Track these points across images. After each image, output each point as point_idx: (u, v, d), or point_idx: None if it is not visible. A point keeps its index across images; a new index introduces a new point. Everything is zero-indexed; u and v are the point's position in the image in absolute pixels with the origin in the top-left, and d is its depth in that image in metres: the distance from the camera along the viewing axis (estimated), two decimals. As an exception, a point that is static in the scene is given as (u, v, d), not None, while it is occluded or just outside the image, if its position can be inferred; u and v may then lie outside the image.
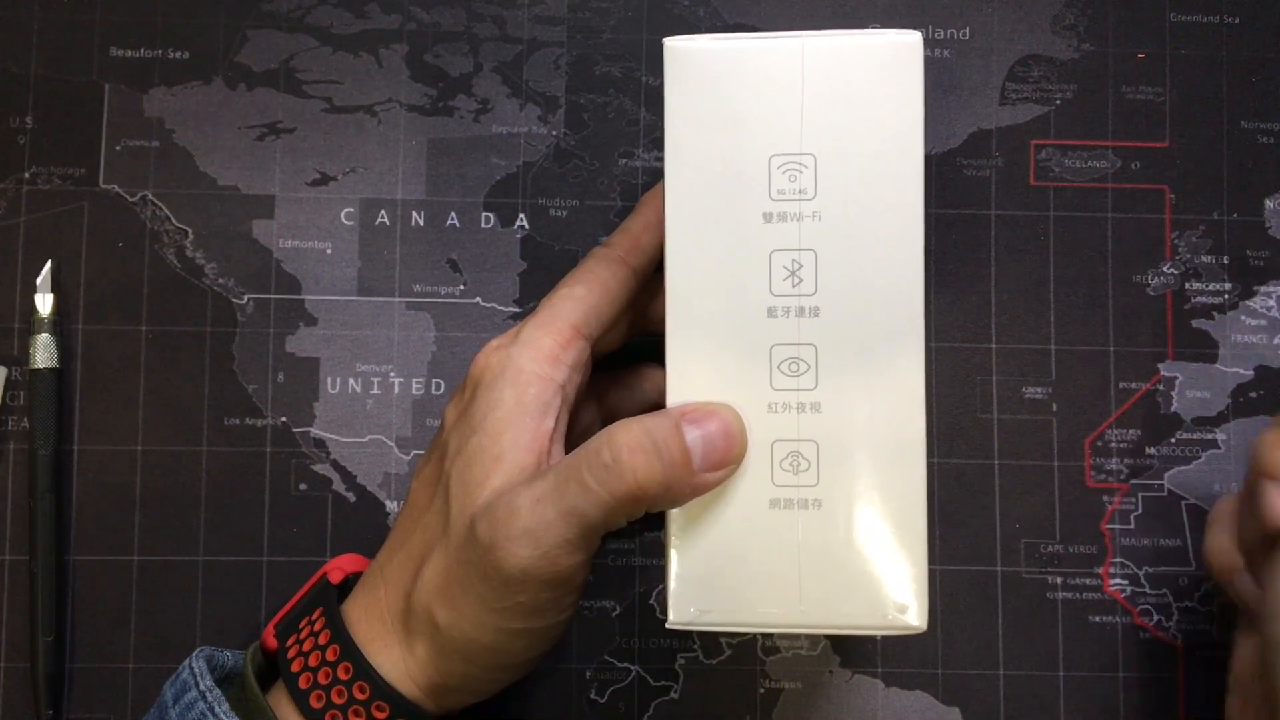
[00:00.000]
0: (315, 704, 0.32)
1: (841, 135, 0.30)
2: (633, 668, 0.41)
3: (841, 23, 0.42)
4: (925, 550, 0.31)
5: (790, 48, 0.30)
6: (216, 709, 0.32)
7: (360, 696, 0.32)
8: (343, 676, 0.32)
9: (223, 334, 0.41)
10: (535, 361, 0.33)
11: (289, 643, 0.34)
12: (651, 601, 0.41)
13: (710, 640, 0.41)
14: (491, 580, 0.30)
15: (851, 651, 0.41)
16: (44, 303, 0.40)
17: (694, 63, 0.31)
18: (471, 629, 0.31)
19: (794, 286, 0.30)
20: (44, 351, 0.39)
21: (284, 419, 0.41)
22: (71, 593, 0.40)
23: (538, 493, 0.30)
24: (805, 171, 0.30)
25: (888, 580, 0.30)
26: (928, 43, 0.42)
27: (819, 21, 0.42)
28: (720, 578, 0.31)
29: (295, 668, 0.33)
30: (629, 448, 0.30)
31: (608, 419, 0.38)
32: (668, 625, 0.31)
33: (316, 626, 0.34)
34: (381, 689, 0.32)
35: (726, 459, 0.30)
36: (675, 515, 0.31)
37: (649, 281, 0.36)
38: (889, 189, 0.30)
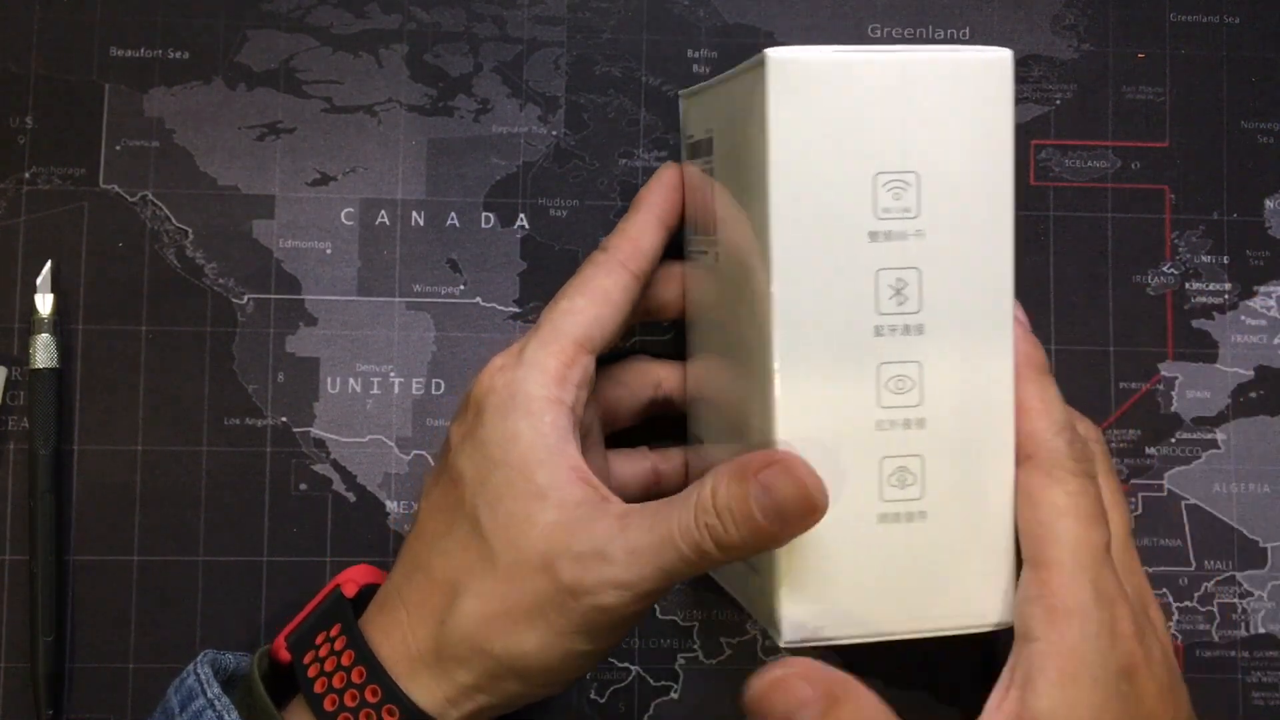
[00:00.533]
0: None
1: (940, 152, 0.30)
2: (633, 668, 0.41)
3: (841, 23, 0.42)
4: (1013, 548, 0.31)
5: (894, 62, 0.30)
6: (226, 718, 0.32)
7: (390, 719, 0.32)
8: (370, 699, 0.32)
9: (223, 334, 0.41)
10: (543, 385, 0.32)
11: (307, 659, 0.33)
12: (651, 601, 0.41)
13: (711, 641, 0.41)
14: (572, 615, 0.30)
15: (851, 652, 0.41)
16: (44, 303, 0.40)
17: (802, 76, 0.30)
18: (537, 653, 0.31)
19: (899, 305, 0.30)
20: (44, 351, 0.39)
21: (284, 419, 0.41)
22: (71, 593, 0.40)
23: (633, 544, 0.30)
24: (909, 189, 0.30)
25: (985, 581, 0.31)
26: (927, 42, 0.42)
27: (819, 21, 0.42)
28: (831, 593, 0.31)
29: (319, 688, 0.32)
30: (716, 527, 0.29)
31: (606, 417, 0.38)
32: (782, 645, 0.31)
33: (337, 645, 0.33)
34: (411, 712, 0.32)
35: (811, 516, 0.29)
36: None
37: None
38: (984, 205, 0.31)
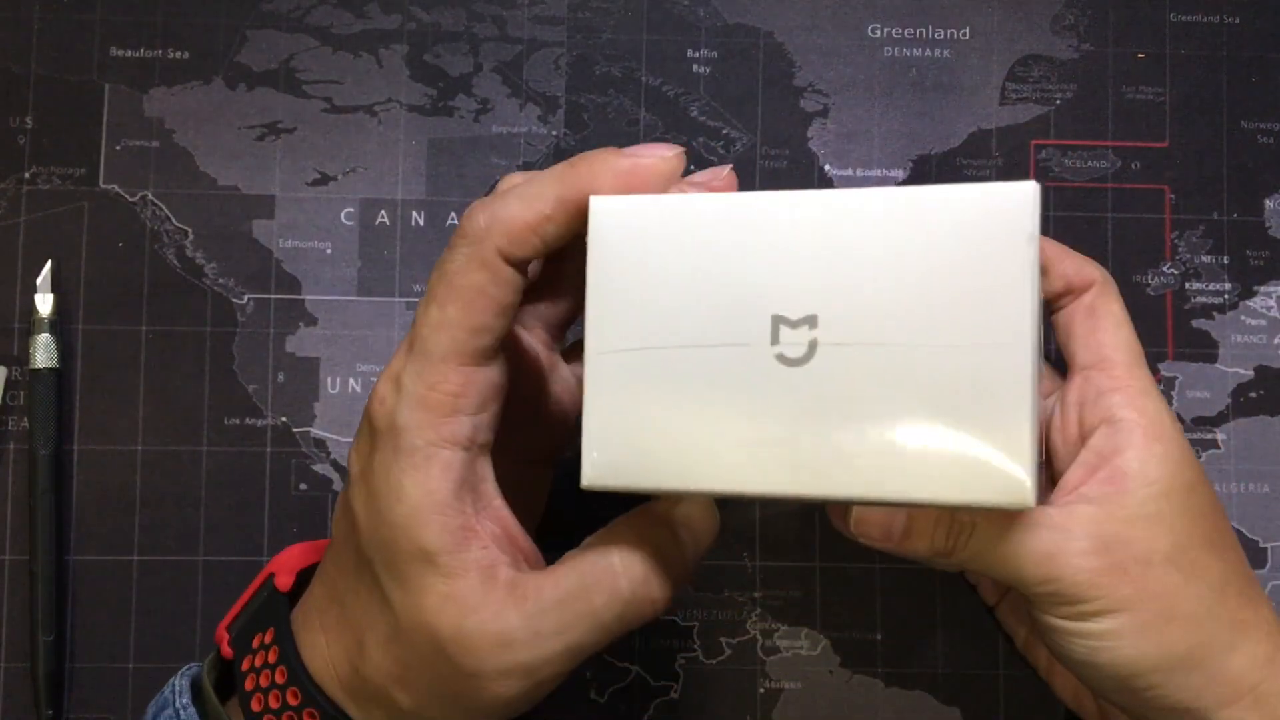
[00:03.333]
0: None
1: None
2: (633, 668, 0.41)
3: (841, 22, 0.42)
4: None
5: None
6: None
7: None
8: None
9: (223, 334, 0.41)
10: (426, 429, 0.28)
11: (245, 666, 0.32)
12: (651, 601, 0.41)
13: (711, 641, 0.41)
14: (470, 701, 0.29)
15: (851, 651, 0.41)
16: (44, 303, 0.40)
17: None
18: (440, 716, 0.30)
19: None
20: (44, 351, 0.39)
21: (284, 419, 0.41)
22: (71, 593, 0.40)
23: (538, 625, 0.28)
24: None
25: None
26: (928, 43, 0.42)
27: (819, 21, 0.42)
28: None
29: (255, 706, 0.31)
30: (645, 579, 0.29)
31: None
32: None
33: (271, 657, 0.31)
34: None
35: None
36: None
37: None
38: None
